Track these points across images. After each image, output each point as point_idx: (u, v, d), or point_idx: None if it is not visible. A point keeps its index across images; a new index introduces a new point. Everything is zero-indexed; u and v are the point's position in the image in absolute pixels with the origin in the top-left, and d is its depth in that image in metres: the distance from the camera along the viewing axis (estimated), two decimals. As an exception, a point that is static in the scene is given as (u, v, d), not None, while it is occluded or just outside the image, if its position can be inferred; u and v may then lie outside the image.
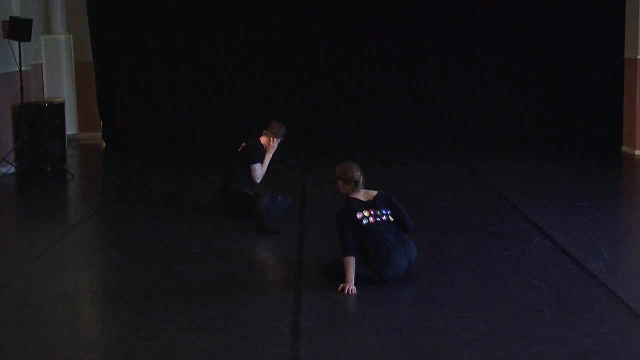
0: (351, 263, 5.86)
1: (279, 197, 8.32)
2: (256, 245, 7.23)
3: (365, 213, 6.03)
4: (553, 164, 11.09)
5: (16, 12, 11.00)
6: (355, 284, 5.82)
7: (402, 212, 6.18)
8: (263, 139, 8.36)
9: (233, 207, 8.20)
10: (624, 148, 11.74)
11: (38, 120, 10.81)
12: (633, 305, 5.49)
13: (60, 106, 11.55)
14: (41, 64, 12.90)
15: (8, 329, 5.30)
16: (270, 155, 8.33)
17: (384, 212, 6.09)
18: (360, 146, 12.50)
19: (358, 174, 6.18)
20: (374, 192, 6.19)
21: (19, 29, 10.33)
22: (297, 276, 6.26)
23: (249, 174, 8.23)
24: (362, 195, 6.15)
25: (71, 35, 13.34)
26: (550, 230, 7.41)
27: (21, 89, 10.46)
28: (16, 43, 10.38)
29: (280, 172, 10.31)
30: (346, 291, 5.78)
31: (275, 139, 8.33)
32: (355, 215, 6.00)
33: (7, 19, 10.42)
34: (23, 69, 10.54)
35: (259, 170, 8.25)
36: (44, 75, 12.99)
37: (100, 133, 13.39)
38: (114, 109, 13.25)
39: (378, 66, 13.35)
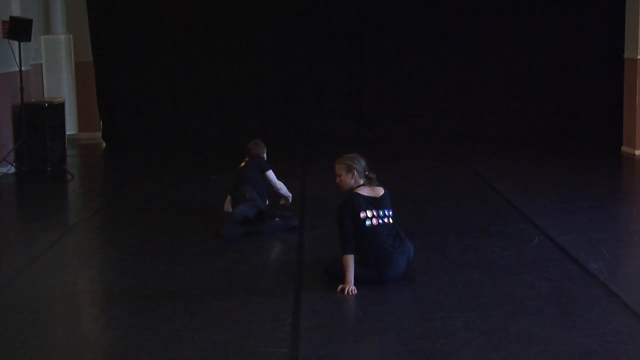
0: (350, 262, 5.84)
1: (277, 219, 7.66)
2: (256, 246, 7.22)
3: (369, 213, 5.93)
4: (553, 164, 11.09)
5: (16, 12, 11.00)
6: (355, 284, 5.82)
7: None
8: None
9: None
10: (624, 148, 11.74)
11: (38, 120, 10.82)
12: (633, 305, 5.49)
13: (60, 106, 11.56)
14: (41, 64, 12.91)
15: (8, 329, 5.30)
16: None
17: (387, 212, 6.01)
18: (360, 146, 12.47)
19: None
20: (381, 190, 6.07)
21: (19, 29, 10.33)
22: (297, 276, 6.26)
23: (262, 183, 7.99)
24: (367, 191, 6.03)
25: (71, 35, 13.35)
26: (550, 230, 7.41)
27: (21, 89, 10.46)
28: (16, 43, 10.38)
29: (279, 172, 10.32)
30: (346, 292, 5.77)
31: (264, 153, 8.22)
32: (359, 214, 5.92)
33: (7, 19, 10.43)
34: (23, 69, 10.54)
35: (275, 178, 8.08)
36: (44, 75, 13.00)
37: (100, 133, 13.39)
38: (114, 109, 13.26)
39: (378, 66, 13.35)
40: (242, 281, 6.20)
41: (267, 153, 8.29)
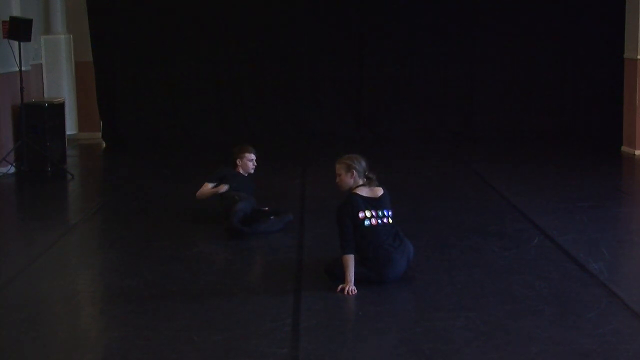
0: (350, 262, 5.85)
1: (272, 217, 7.63)
2: (256, 245, 7.23)
3: (368, 213, 5.94)
4: (553, 164, 11.09)
5: (16, 12, 10.99)
6: (355, 284, 5.81)
7: None
8: (237, 168, 8.06)
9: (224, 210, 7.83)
10: (624, 148, 11.74)
11: (38, 120, 10.82)
12: (633, 305, 5.49)
13: (60, 106, 11.55)
14: (41, 64, 12.91)
15: (8, 328, 5.30)
16: (252, 169, 8.06)
17: (386, 213, 6.01)
18: (360, 146, 12.47)
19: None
20: (380, 191, 6.09)
21: (19, 29, 10.33)
22: (297, 276, 6.26)
23: (245, 184, 7.97)
24: (366, 191, 6.04)
25: (71, 35, 13.35)
26: (550, 230, 7.41)
27: (21, 89, 10.46)
28: (16, 43, 10.38)
29: (279, 172, 10.34)
30: (346, 292, 5.77)
31: (241, 159, 8.01)
32: (357, 214, 5.93)
33: (7, 19, 10.43)
34: (23, 69, 10.54)
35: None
36: (44, 75, 12.99)
37: (100, 133, 13.39)
38: (114, 109, 13.25)
39: (378, 66, 13.35)
40: (242, 281, 6.20)
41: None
